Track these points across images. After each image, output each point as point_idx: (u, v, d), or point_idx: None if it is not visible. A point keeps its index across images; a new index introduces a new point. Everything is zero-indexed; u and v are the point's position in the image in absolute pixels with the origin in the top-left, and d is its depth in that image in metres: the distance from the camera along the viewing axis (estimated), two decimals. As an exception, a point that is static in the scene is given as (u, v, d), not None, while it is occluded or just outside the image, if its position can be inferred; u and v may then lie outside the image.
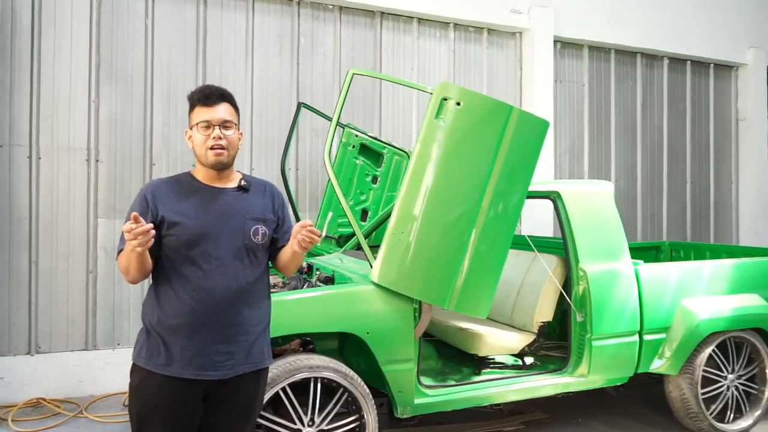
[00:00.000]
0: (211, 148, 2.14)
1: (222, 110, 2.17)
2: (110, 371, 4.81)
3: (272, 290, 3.77)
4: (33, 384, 4.69)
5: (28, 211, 4.76)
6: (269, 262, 2.38)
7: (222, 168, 2.21)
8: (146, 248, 1.96)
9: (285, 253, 2.28)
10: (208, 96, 2.17)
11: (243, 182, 2.26)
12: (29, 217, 4.76)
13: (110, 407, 4.54)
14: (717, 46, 7.55)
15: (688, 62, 7.58)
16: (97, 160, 4.95)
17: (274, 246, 2.31)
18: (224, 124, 2.17)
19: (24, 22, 4.74)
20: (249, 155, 5.43)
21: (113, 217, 4.95)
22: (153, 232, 1.93)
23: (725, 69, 7.86)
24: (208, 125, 2.15)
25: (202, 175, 2.24)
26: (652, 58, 7.35)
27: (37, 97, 4.78)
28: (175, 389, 2.10)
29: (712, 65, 7.74)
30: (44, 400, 4.61)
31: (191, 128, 2.21)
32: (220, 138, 2.15)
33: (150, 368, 2.12)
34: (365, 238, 4.59)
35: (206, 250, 2.12)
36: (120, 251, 2.09)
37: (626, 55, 7.18)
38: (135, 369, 2.17)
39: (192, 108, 2.20)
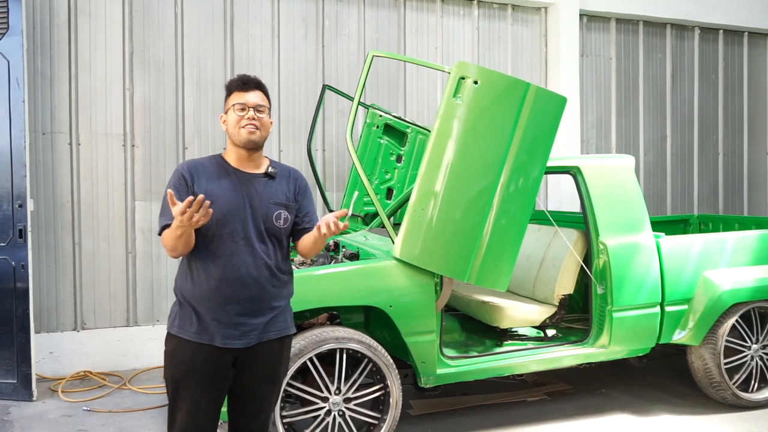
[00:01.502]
0: (244, 127, 2.30)
1: (257, 95, 2.35)
2: (151, 346, 5.07)
3: (302, 267, 3.95)
4: (80, 358, 4.99)
5: (70, 195, 5.01)
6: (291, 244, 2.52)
7: (253, 147, 2.34)
8: (207, 219, 2.08)
9: (307, 238, 2.41)
10: (245, 82, 2.35)
11: (270, 169, 2.41)
12: (71, 200, 5.02)
13: (151, 380, 4.81)
14: (751, 13, 7.35)
15: (721, 31, 7.42)
16: (133, 145, 5.17)
17: (294, 228, 2.45)
18: (258, 107, 2.34)
19: (61, 16, 4.95)
20: (277, 137, 5.58)
21: (149, 199, 5.18)
22: (207, 201, 2.05)
23: (760, 37, 7.65)
24: (243, 107, 2.31)
25: (233, 158, 2.38)
26: (682, 28, 7.21)
27: (76, 87, 5.00)
28: (206, 355, 2.27)
29: (746, 33, 7.55)
30: (90, 372, 4.90)
31: (226, 112, 2.37)
32: (253, 119, 2.31)
33: (183, 336, 2.29)
34: (390, 217, 4.72)
35: (235, 229, 2.27)
36: (164, 227, 2.22)
37: (655, 26, 7.06)
38: (169, 337, 2.34)
39: (229, 94, 2.36)
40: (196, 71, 5.32)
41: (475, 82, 3.25)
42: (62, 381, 4.74)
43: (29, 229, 4.39)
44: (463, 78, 3.26)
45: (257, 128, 2.32)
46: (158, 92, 5.23)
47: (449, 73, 3.30)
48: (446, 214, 3.29)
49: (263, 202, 2.34)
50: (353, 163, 5.13)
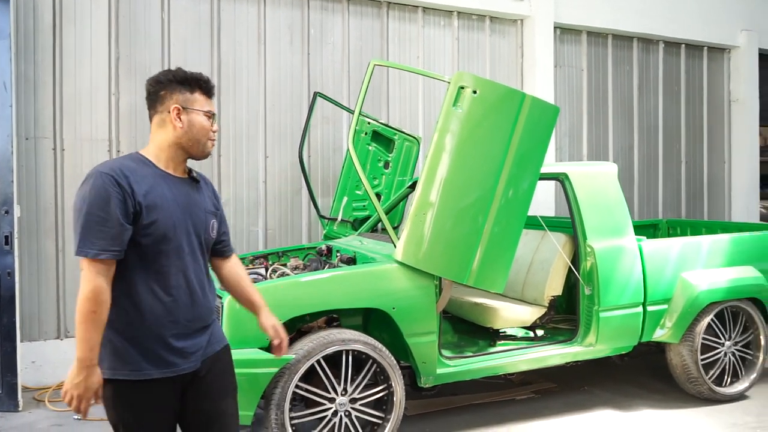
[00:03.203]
0: (212, 139, 2.12)
1: None
2: (138, 353, 5.02)
3: (295, 272, 4.00)
4: (64, 367, 4.81)
5: (53, 201, 4.94)
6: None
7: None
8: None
9: (240, 286, 2.32)
10: (211, 88, 2.15)
11: (194, 173, 2.18)
12: (55, 206, 4.94)
13: (141, 386, 4.76)
14: (710, 29, 7.78)
15: (683, 45, 7.81)
16: (118, 151, 5.12)
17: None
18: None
19: (46, 20, 4.88)
20: (263, 143, 5.62)
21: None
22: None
23: (718, 52, 8.09)
24: (211, 116, 2.12)
25: (163, 160, 2.08)
26: (647, 42, 7.57)
27: (60, 92, 4.94)
28: (156, 390, 1.99)
29: (705, 48, 7.97)
30: (76, 381, 4.82)
31: (184, 109, 2.06)
32: (216, 131, 2.16)
33: (121, 377, 1.96)
34: (378, 221, 4.83)
35: (180, 244, 2.03)
36: (93, 258, 1.86)
37: (623, 39, 7.39)
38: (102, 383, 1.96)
39: (192, 90, 2.09)
40: (182, 77, 5.30)
41: (474, 92, 3.38)
42: (47, 390, 4.66)
43: (16, 235, 4.31)
44: (462, 87, 3.39)
45: None
46: (144, 98, 5.18)
47: (449, 82, 3.43)
48: (446, 220, 3.41)
49: (200, 211, 2.12)
50: (342, 169, 5.24)
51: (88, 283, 1.87)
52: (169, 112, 2.05)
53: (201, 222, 2.11)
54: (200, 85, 2.11)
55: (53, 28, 4.91)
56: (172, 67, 2.19)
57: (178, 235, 2.01)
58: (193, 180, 2.15)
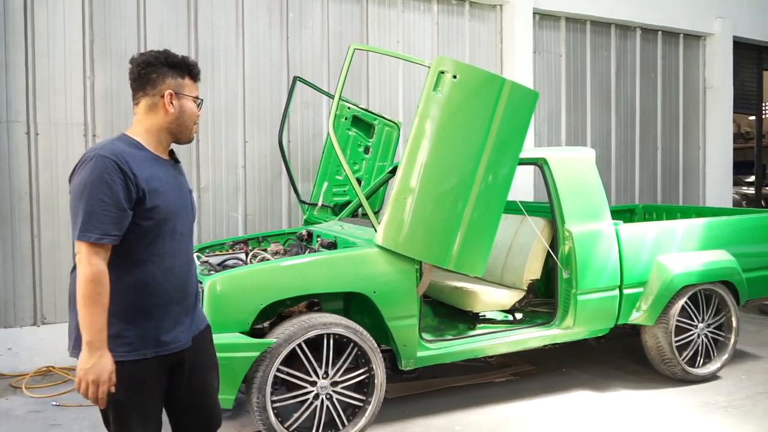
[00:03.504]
0: (196, 123, 2.15)
1: None
2: (117, 339, 4.98)
3: (275, 257, 4.00)
4: (41, 354, 4.84)
5: (28, 187, 4.85)
6: None
7: None
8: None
9: None
10: (198, 73, 2.16)
11: (175, 155, 2.20)
12: (29, 192, 4.86)
13: (120, 373, 4.73)
14: (686, 16, 7.86)
15: (659, 32, 7.89)
16: (94, 135, 5.04)
17: None
18: None
19: (16, 2, 4.76)
20: (242, 128, 5.57)
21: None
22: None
23: (694, 39, 8.19)
24: (198, 102, 2.16)
25: (153, 145, 2.08)
26: (625, 28, 7.63)
27: (33, 75, 4.83)
28: (149, 369, 2.02)
29: (681, 35, 8.06)
30: (53, 368, 4.78)
31: (176, 94, 2.07)
32: (200, 116, 2.18)
33: (117, 359, 1.93)
34: (359, 207, 4.83)
35: (174, 226, 2.07)
36: (95, 243, 1.86)
37: (601, 26, 7.44)
38: None
39: (182, 75, 2.10)
40: (159, 60, 5.22)
41: (455, 77, 3.39)
42: (24, 377, 4.61)
43: (-11, 221, 4.24)
44: (442, 72, 3.39)
45: None
46: (120, 81, 5.12)
47: (429, 67, 3.43)
48: (426, 205, 3.42)
49: (186, 192, 2.17)
50: (322, 155, 5.22)
51: (90, 266, 1.87)
52: (162, 96, 2.05)
53: (188, 203, 2.17)
54: (190, 70, 2.13)
55: (24, 9, 4.79)
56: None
57: (175, 218, 2.06)
58: (176, 162, 2.18)
